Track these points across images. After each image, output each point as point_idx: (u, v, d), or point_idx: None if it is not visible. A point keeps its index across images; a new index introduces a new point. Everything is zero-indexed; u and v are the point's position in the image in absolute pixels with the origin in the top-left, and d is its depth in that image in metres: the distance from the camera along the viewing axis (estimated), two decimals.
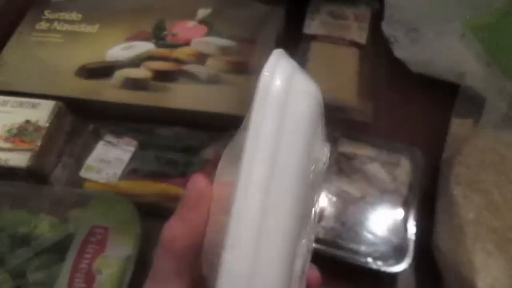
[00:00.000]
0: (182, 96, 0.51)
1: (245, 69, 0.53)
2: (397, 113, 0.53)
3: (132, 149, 0.49)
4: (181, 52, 0.54)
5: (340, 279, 0.38)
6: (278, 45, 0.56)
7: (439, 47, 0.50)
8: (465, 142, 0.42)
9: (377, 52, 0.57)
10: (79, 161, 0.48)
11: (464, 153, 0.41)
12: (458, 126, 0.45)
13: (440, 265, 0.39)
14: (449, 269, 0.38)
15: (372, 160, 0.45)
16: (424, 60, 0.51)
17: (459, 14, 0.50)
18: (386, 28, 0.55)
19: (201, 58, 0.54)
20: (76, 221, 0.42)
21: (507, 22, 0.45)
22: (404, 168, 0.44)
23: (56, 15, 0.60)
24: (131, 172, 0.47)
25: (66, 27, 0.58)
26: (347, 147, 0.46)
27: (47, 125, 0.48)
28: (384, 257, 0.40)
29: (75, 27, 0.58)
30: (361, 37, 0.57)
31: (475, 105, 0.44)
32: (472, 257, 0.36)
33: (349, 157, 0.46)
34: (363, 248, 0.40)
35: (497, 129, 0.42)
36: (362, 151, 0.46)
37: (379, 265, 0.39)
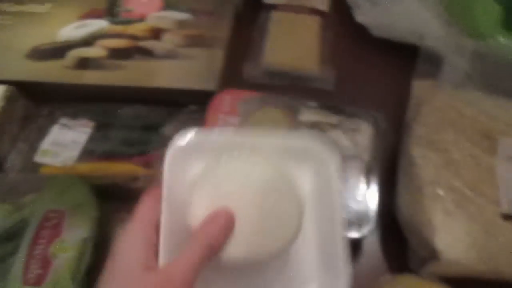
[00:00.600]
0: (139, 74, 0.50)
1: (203, 42, 0.51)
2: (360, 79, 0.52)
3: (88, 130, 0.47)
4: (136, 28, 0.53)
5: None
6: (237, 16, 0.55)
7: (400, 9, 0.49)
8: (425, 102, 0.41)
9: (339, 18, 0.56)
10: (35, 146, 0.46)
11: (423, 113, 0.40)
12: (419, 87, 0.45)
13: (403, 227, 0.39)
14: (411, 231, 0.38)
15: (333, 128, 0.44)
16: (385, 23, 0.50)
17: None
18: None
19: (157, 33, 0.52)
20: (31, 207, 0.40)
21: None
22: (365, 134, 0.43)
23: None
24: (89, 153, 0.46)
25: (15, 8, 0.56)
26: (309, 116, 0.45)
27: None
28: (347, 223, 0.39)
29: (24, 8, 0.56)
30: (322, 3, 0.56)
31: (435, 65, 0.43)
32: (432, 218, 0.36)
33: (310, 126, 0.45)
34: None
35: (456, 87, 0.41)
36: (324, 118, 0.45)
37: None
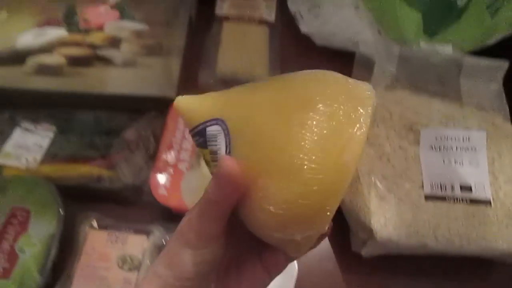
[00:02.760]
0: (99, 81, 0.52)
1: (160, 51, 0.55)
2: None
3: (50, 134, 0.49)
4: (94, 37, 0.55)
5: None
6: (191, 27, 0.58)
7: (338, 20, 0.55)
8: None
9: (285, 29, 0.61)
10: None
11: None
12: None
13: (345, 213, 0.44)
14: (352, 216, 0.43)
15: None
16: (326, 33, 0.56)
17: None
18: (291, 5, 0.59)
19: (115, 42, 0.55)
20: None
21: None
22: None
23: None
24: (52, 156, 0.48)
25: None
26: None
27: None
28: None
29: None
30: (270, 15, 0.61)
31: (369, 69, 0.49)
32: (368, 203, 0.41)
33: None
34: None
35: (386, 88, 0.47)
36: None
37: None
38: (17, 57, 0.53)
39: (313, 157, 0.21)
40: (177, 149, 0.48)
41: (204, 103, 0.26)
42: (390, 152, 0.44)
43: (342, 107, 0.22)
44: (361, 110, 0.22)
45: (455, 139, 0.42)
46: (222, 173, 0.22)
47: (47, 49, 0.54)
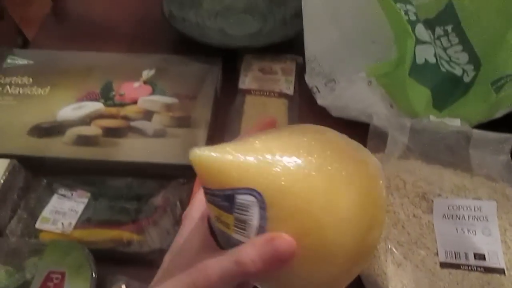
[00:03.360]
0: (131, 150, 0.56)
1: (188, 122, 0.59)
2: None
3: (85, 200, 0.53)
4: (128, 110, 0.60)
5: None
6: (216, 100, 0.63)
7: (352, 93, 0.59)
8: None
9: (303, 101, 0.65)
10: (34, 214, 0.51)
11: None
12: None
13: (363, 279, 0.45)
14: (369, 281, 0.44)
15: None
16: (341, 105, 0.60)
17: (365, 65, 0.60)
18: (309, 79, 0.64)
19: (147, 114, 0.60)
20: (33, 268, 0.45)
21: (400, 71, 0.55)
22: None
23: (8, 80, 0.64)
24: (85, 221, 0.51)
25: (18, 90, 0.63)
26: None
27: (2, 181, 0.51)
28: None
29: (26, 90, 0.63)
30: (289, 89, 0.66)
31: (383, 140, 0.52)
32: (385, 269, 0.43)
33: None
34: None
35: (399, 159, 0.50)
36: None
37: None
38: (58, 129, 0.58)
39: (350, 241, 0.23)
40: None
41: (229, 164, 0.24)
42: (405, 220, 0.46)
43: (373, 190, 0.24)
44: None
45: (467, 208, 0.45)
46: (277, 250, 0.22)
47: (85, 121, 0.59)
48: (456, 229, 0.44)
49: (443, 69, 0.58)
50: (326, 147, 0.25)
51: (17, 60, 0.67)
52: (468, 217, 0.44)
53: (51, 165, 0.56)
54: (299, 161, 0.23)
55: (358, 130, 0.59)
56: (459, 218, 0.44)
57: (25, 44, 0.79)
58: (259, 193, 0.23)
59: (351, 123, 0.60)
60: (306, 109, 0.65)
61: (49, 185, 0.54)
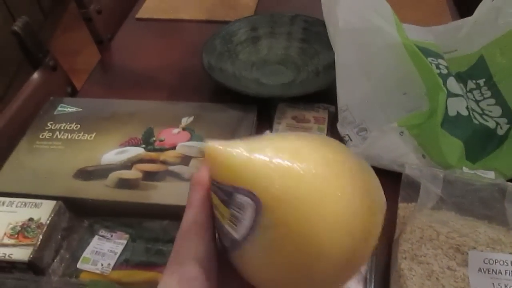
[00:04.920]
0: (169, 193, 0.59)
1: None
2: None
3: (124, 242, 0.55)
4: (167, 155, 0.63)
5: None
6: None
7: (384, 143, 0.60)
8: (408, 222, 0.50)
9: None
10: (75, 254, 0.54)
11: (407, 232, 0.49)
12: (403, 209, 0.54)
13: None
14: None
15: None
16: (373, 154, 0.61)
17: (397, 116, 0.61)
18: (341, 128, 0.66)
19: (185, 159, 0.63)
20: None
21: (432, 123, 0.56)
22: None
23: (57, 126, 0.69)
24: (123, 262, 0.53)
25: (66, 135, 0.67)
26: None
27: (48, 222, 0.54)
28: None
29: (74, 136, 0.67)
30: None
31: (415, 190, 0.53)
32: None
33: None
34: None
35: (432, 209, 0.50)
36: None
37: None
38: (101, 172, 0.61)
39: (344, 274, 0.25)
40: None
41: (234, 160, 0.24)
42: (439, 272, 0.45)
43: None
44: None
45: (504, 263, 0.44)
46: None
47: (126, 165, 0.62)
48: (493, 284, 0.43)
49: (475, 122, 0.59)
50: (338, 162, 0.25)
51: (66, 108, 0.72)
52: (505, 272, 0.44)
53: (93, 207, 0.59)
54: (308, 176, 0.23)
55: (390, 179, 0.60)
56: (496, 273, 0.44)
57: (73, 92, 0.84)
58: (258, 199, 0.23)
59: (382, 171, 0.61)
60: None
61: (90, 227, 0.57)
